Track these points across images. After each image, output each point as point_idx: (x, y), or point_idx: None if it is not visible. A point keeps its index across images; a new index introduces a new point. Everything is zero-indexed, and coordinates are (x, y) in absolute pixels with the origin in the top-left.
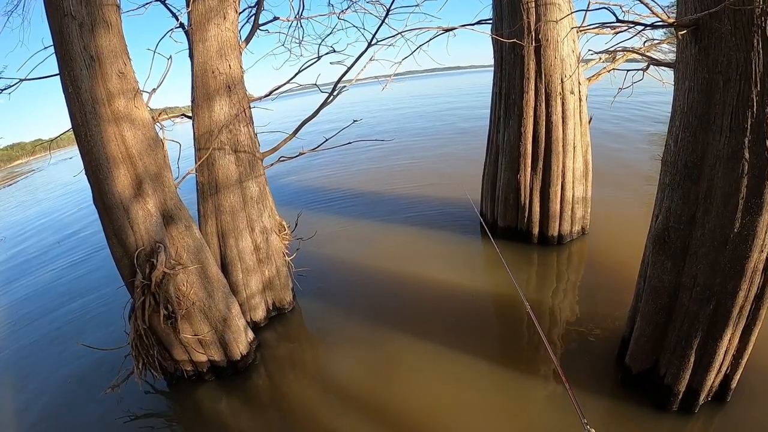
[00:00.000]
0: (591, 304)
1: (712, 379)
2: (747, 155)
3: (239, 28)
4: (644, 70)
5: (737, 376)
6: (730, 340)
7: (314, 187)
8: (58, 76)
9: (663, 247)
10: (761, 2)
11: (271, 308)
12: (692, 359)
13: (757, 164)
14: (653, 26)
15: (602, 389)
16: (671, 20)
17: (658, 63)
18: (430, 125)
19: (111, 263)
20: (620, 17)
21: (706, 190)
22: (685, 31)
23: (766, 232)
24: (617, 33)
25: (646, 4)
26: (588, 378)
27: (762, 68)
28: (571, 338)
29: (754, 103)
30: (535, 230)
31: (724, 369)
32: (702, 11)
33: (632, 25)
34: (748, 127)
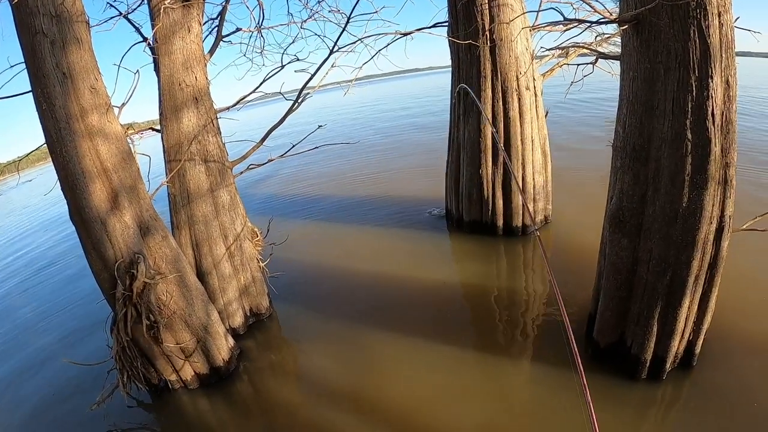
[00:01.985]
0: (561, 288)
1: (676, 346)
2: (689, 136)
3: (203, 40)
4: (593, 63)
5: (700, 342)
6: (689, 307)
7: (284, 193)
8: (29, 94)
9: (619, 226)
10: None
11: (248, 314)
12: (655, 328)
13: (699, 143)
14: (597, 23)
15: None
16: (613, 17)
17: (605, 56)
18: (391, 125)
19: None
20: (570, 15)
21: (654, 171)
22: (626, 26)
23: (713, 205)
24: (567, 30)
25: (588, 3)
26: (559, 355)
27: (699, 56)
28: (542, 320)
29: (693, 88)
30: (500, 222)
31: (686, 335)
32: (641, 7)
33: (578, 23)
34: (689, 110)
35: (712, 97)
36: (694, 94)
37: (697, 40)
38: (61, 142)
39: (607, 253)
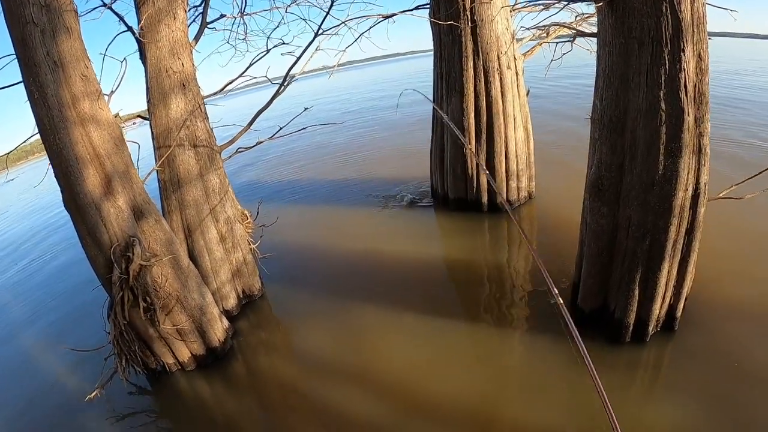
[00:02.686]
0: (544, 257)
1: (658, 310)
2: (663, 107)
3: (188, 27)
4: (571, 41)
5: (681, 306)
6: (668, 272)
7: (272, 178)
8: (20, 84)
9: (598, 195)
10: None
11: (241, 296)
12: (637, 292)
13: (672, 113)
14: (575, 1)
15: (561, 332)
16: None
17: (583, 34)
18: (375, 106)
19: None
20: None
21: (631, 140)
22: (602, 3)
23: (688, 173)
24: (545, 9)
25: None
26: (546, 323)
27: (671, 31)
28: (528, 291)
29: (666, 62)
30: (485, 199)
31: (667, 299)
32: None
33: (557, 2)
34: (662, 82)
35: (684, 69)
36: (666, 67)
37: (669, 16)
38: (54, 130)
39: (587, 221)
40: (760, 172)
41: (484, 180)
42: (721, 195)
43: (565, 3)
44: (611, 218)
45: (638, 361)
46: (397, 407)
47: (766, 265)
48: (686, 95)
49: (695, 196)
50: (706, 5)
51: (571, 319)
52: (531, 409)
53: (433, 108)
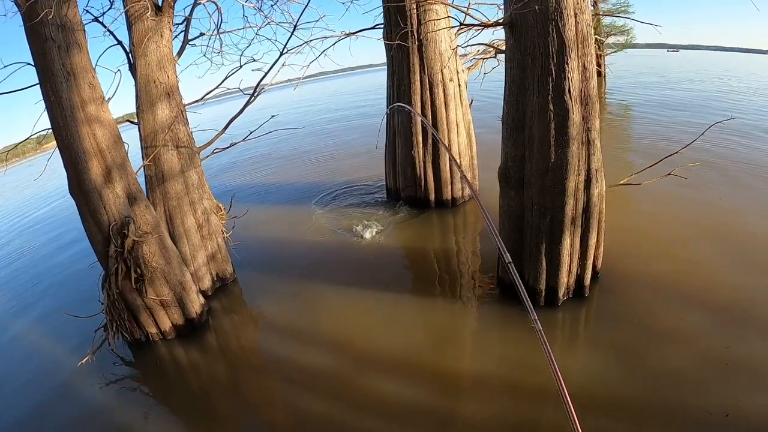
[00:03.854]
0: (482, 243)
1: (566, 278)
2: (552, 108)
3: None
4: (494, 56)
5: (587, 275)
6: (571, 245)
7: (244, 176)
8: (35, 87)
9: (507, 181)
10: (554, 2)
11: (215, 279)
12: (544, 263)
13: (560, 113)
14: (487, 26)
15: (490, 300)
16: (494, 21)
17: (501, 51)
18: (337, 116)
19: None
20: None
21: (529, 136)
22: (505, 27)
23: (578, 161)
24: (468, 31)
25: (466, 13)
26: (476, 295)
27: (557, 48)
28: (466, 270)
29: (553, 72)
30: (432, 196)
31: (574, 270)
32: (513, 12)
33: (473, 27)
34: (550, 89)
35: (568, 78)
36: (553, 76)
37: (555, 37)
38: (66, 127)
39: (501, 204)
40: (656, 163)
41: (431, 180)
42: (621, 182)
43: (481, 27)
44: (518, 200)
45: (553, 322)
46: (352, 361)
47: (671, 245)
48: (571, 98)
49: (587, 180)
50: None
51: (518, 278)
52: (466, 359)
53: (386, 116)
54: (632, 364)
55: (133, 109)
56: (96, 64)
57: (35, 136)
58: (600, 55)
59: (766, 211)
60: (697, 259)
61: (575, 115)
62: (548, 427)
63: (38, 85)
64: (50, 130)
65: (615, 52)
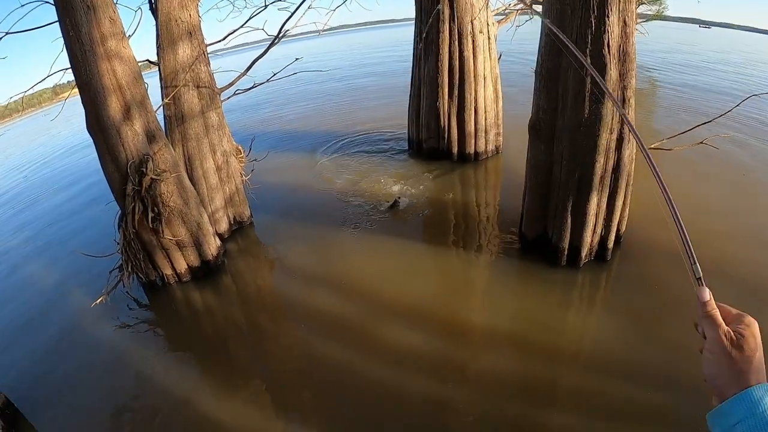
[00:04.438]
0: (503, 200)
1: (590, 238)
2: (589, 61)
3: None
4: (529, 8)
5: (612, 237)
6: (598, 204)
7: (266, 120)
8: (54, 25)
9: (537, 134)
10: None
11: (232, 222)
12: (569, 220)
13: (597, 68)
14: None
15: (510, 255)
16: None
17: (536, 1)
18: (358, 67)
19: None
20: None
21: (563, 89)
22: None
23: (612, 118)
24: None
25: None
26: (498, 248)
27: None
28: (487, 224)
29: (593, 25)
30: (455, 149)
31: (598, 231)
32: None
33: None
34: (589, 41)
35: (608, 32)
36: (593, 29)
37: None
38: (85, 63)
39: (529, 158)
40: (690, 129)
41: (454, 132)
42: (653, 146)
43: None
44: (548, 155)
45: (573, 282)
46: (367, 308)
47: (696, 215)
48: (609, 53)
49: (620, 139)
50: None
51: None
52: (482, 312)
53: (412, 66)
54: (647, 332)
55: (153, 56)
56: (116, 1)
57: (52, 77)
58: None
59: None
60: (720, 231)
61: (612, 70)
62: (559, 386)
63: (57, 23)
64: (68, 70)
65: (645, 21)
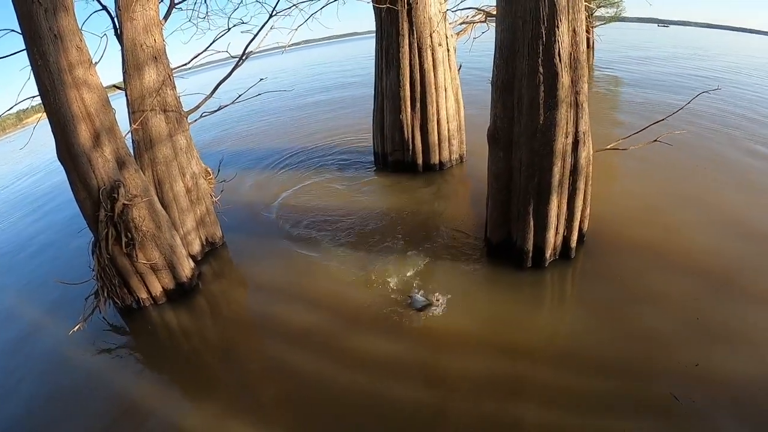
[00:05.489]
0: (469, 207)
1: (552, 239)
2: (541, 70)
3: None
4: (485, 21)
5: (574, 237)
6: (558, 206)
7: (233, 140)
8: (22, 54)
9: (495, 142)
10: None
11: (205, 243)
12: (532, 223)
13: (549, 75)
14: None
15: (478, 260)
16: None
17: (491, 15)
18: (323, 84)
19: None
20: None
21: (518, 98)
22: None
23: (566, 123)
24: None
25: None
26: (466, 254)
27: (548, 11)
28: (454, 231)
29: (543, 35)
30: (420, 160)
31: (561, 231)
32: None
33: None
34: (540, 51)
35: (558, 41)
36: (543, 39)
37: (546, 0)
38: (54, 92)
39: (489, 166)
40: (642, 129)
41: (418, 143)
42: (609, 146)
43: None
44: (507, 161)
45: (540, 282)
46: (340, 319)
47: (655, 210)
48: (561, 61)
49: (575, 142)
50: None
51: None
52: (453, 316)
53: (375, 80)
54: (614, 324)
55: (119, 79)
56: (81, 29)
57: (20, 105)
58: (589, 27)
59: (743, 181)
60: (679, 225)
61: (564, 77)
62: (534, 382)
63: (24, 51)
64: (36, 98)
65: (605, 23)
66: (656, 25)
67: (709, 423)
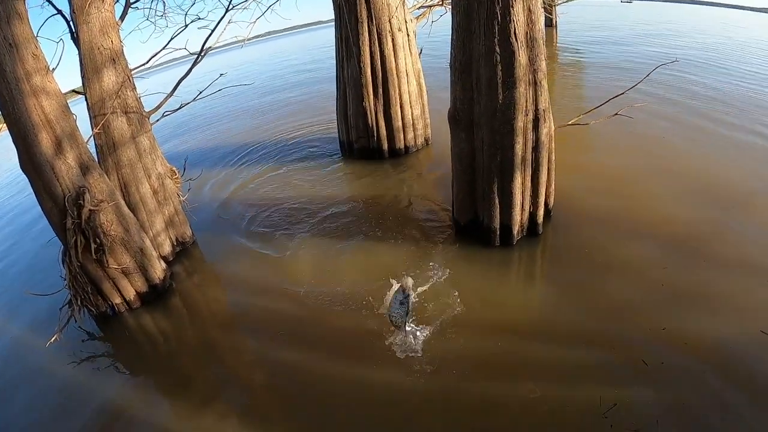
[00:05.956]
0: (436, 188)
1: (519, 216)
2: (498, 50)
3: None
4: (441, 4)
5: (540, 213)
6: (522, 184)
7: (197, 138)
8: None
9: (457, 124)
10: None
11: (175, 243)
12: (497, 201)
13: (505, 55)
14: None
15: (447, 241)
16: None
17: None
18: (287, 75)
19: None
20: None
21: (477, 79)
22: None
23: (526, 101)
24: None
25: None
26: (434, 237)
27: None
28: (422, 214)
29: (498, 15)
30: (385, 146)
31: (527, 208)
32: None
33: None
34: (496, 31)
35: (513, 20)
36: (499, 19)
37: None
38: (12, 101)
39: (452, 147)
40: (602, 104)
41: (383, 130)
42: (570, 122)
43: None
44: (469, 142)
45: (509, 260)
46: (314, 308)
47: (619, 182)
48: (517, 40)
49: (536, 120)
50: None
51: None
52: (426, 297)
53: (336, 69)
54: (584, 296)
55: (78, 84)
56: (37, 35)
57: None
58: (551, 5)
59: (705, 149)
60: (644, 195)
61: (521, 56)
62: (509, 362)
63: None
64: None
65: (566, 1)
66: (620, 0)
67: (679, 384)
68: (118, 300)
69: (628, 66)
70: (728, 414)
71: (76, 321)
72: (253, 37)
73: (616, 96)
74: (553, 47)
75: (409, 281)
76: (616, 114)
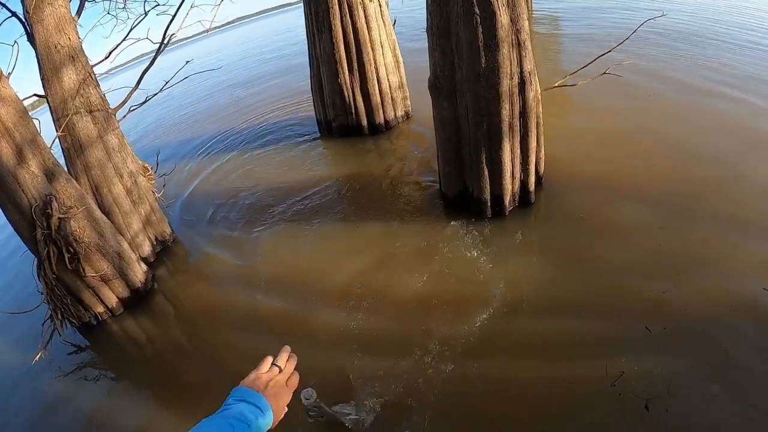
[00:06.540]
0: (421, 163)
1: (510, 185)
2: (477, 11)
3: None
4: None
5: (531, 180)
6: (511, 150)
7: (167, 132)
8: None
9: (438, 92)
10: None
11: (155, 243)
12: (486, 172)
13: (485, 15)
14: None
15: (436, 217)
16: None
17: None
18: (258, 58)
19: None
20: None
21: (456, 43)
22: None
23: (510, 63)
24: None
25: None
26: (422, 213)
27: None
28: (410, 189)
29: None
30: (365, 122)
31: (517, 176)
32: None
33: None
34: None
35: None
36: None
37: None
38: None
39: (435, 116)
40: (589, 63)
41: (361, 106)
42: (557, 84)
43: None
44: (452, 111)
45: (504, 232)
46: (301, 298)
47: (609, 144)
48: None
49: (521, 83)
50: None
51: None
52: (415, 277)
53: (308, 46)
54: (581, 265)
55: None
56: None
57: None
58: None
59: (697, 106)
60: (637, 155)
61: (502, 16)
62: (511, 332)
63: None
64: None
65: None
66: None
67: (684, 348)
68: (100, 308)
69: (613, 27)
70: (737, 375)
71: (60, 335)
72: (222, 25)
73: (603, 54)
74: (530, 12)
75: (311, 393)
76: (605, 73)
